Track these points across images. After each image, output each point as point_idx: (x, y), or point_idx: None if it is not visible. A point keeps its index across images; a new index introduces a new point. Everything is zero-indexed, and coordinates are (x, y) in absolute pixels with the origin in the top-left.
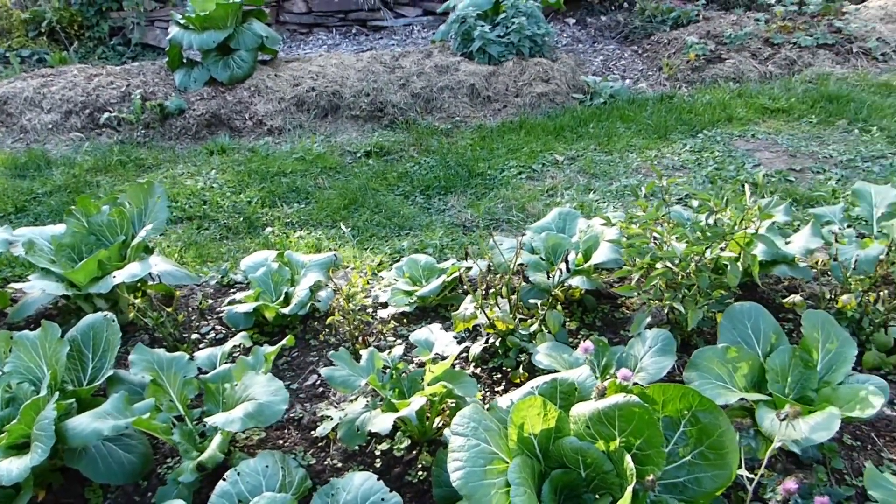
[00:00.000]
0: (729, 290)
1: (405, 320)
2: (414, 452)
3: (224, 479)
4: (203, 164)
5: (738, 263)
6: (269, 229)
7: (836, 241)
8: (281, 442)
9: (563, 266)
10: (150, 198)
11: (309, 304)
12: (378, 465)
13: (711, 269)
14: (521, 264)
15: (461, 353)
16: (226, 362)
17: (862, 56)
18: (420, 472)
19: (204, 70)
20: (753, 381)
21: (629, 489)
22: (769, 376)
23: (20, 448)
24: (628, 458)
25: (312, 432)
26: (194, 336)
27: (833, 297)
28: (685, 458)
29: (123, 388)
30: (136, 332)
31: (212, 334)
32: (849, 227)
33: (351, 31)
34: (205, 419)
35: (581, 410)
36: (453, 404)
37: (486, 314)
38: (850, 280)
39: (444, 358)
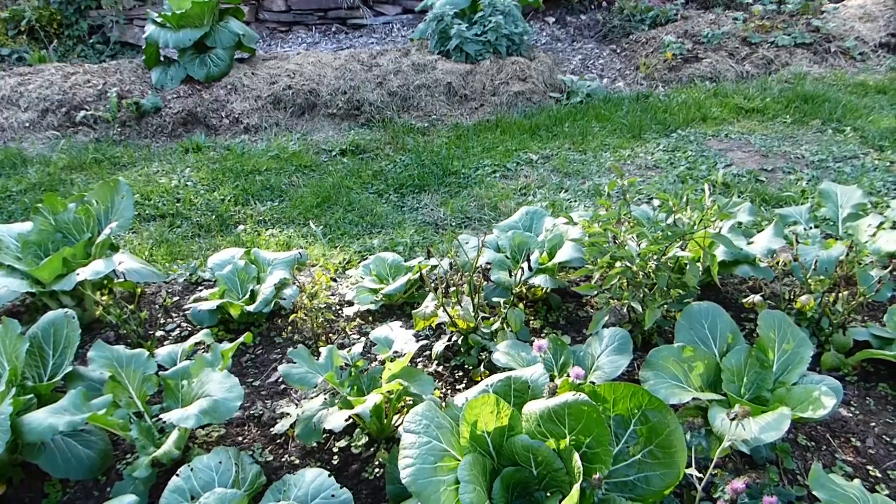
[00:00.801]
0: (689, 290)
1: (371, 318)
2: (372, 450)
3: (177, 475)
4: (178, 163)
5: (698, 263)
6: (241, 227)
7: (797, 241)
8: (241, 438)
9: (525, 265)
10: (116, 196)
11: (273, 302)
12: (335, 462)
13: (672, 268)
14: (488, 262)
15: (425, 350)
16: (187, 359)
17: (840, 55)
18: (377, 469)
19: (180, 68)
20: (709, 380)
21: (576, 487)
22: (725, 376)
23: None
24: (577, 456)
25: (272, 429)
26: (159, 333)
27: (793, 297)
28: (635, 457)
29: (83, 385)
30: (102, 329)
31: (177, 332)
32: (815, 227)
33: (330, 30)
34: (161, 416)
35: (533, 408)
36: (412, 402)
37: (447, 312)
38: (810, 281)
39: (403, 356)
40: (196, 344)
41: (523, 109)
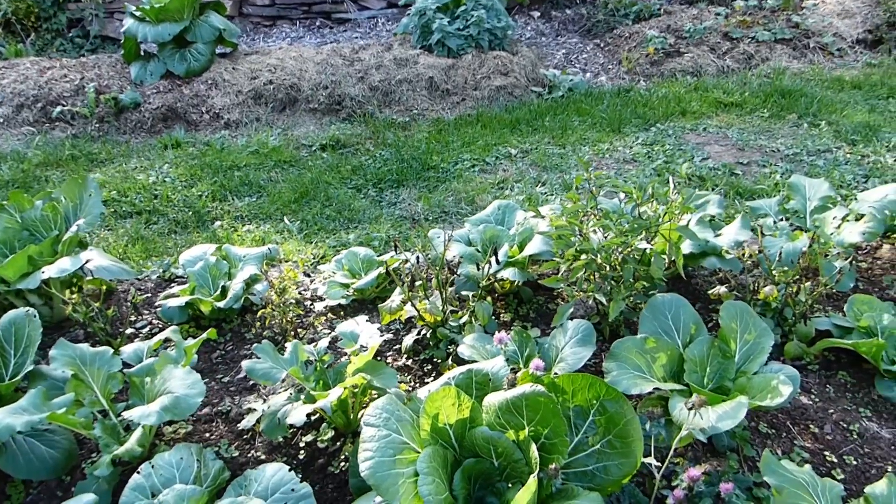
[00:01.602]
0: (654, 282)
1: (342, 313)
2: (338, 444)
3: (138, 473)
4: (157, 159)
5: (664, 255)
6: (217, 223)
7: (762, 233)
8: (208, 435)
9: (493, 259)
10: (84, 192)
11: (244, 298)
12: (302, 457)
13: (639, 261)
14: (460, 256)
15: (395, 345)
16: (153, 356)
17: (818, 51)
18: (343, 464)
19: (160, 63)
20: (672, 371)
21: (532, 477)
22: (687, 366)
23: None
24: (534, 446)
25: (239, 425)
26: (129, 331)
27: (758, 288)
28: (594, 447)
29: (45, 384)
30: (72, 328)
31: (147, 329)
32: (784, 219)
33: (315, 24)
34: (123, 413)
35: (492, 400)
36: (377, 396)
37: (414, 306)
38: (774, 272)
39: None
40: (165, 341)
41: (504, 104)
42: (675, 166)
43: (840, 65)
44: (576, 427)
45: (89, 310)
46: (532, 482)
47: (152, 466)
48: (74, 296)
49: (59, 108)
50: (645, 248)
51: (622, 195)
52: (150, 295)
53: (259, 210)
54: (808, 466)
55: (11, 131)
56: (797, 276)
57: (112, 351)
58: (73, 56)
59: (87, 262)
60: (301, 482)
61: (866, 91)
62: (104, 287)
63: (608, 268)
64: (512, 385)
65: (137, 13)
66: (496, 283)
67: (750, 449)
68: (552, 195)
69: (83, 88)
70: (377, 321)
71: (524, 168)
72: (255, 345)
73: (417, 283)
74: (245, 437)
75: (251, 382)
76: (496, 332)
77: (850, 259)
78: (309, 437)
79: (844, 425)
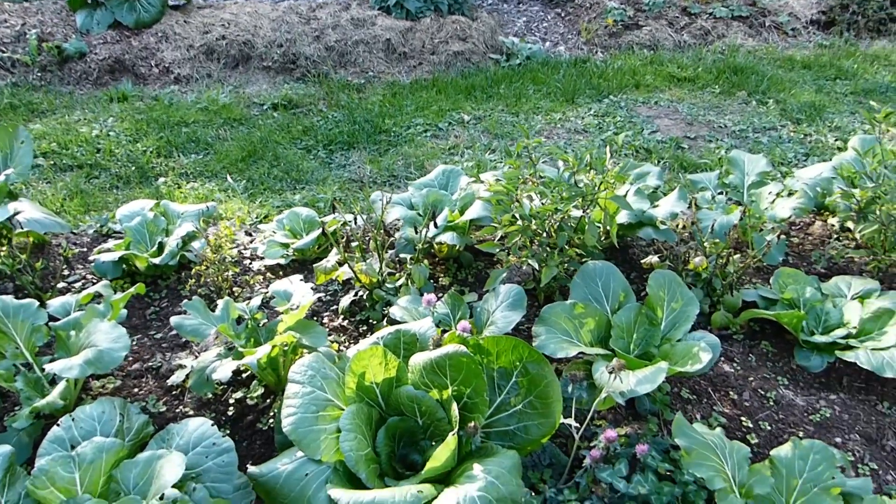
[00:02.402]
0: (587, 250)
1: (281, 273)
2: (268, 401)
3: (58, 425)
4: (101, 112)
5: (599, 224)
6: (161, 180)
7: (697, 206)
8: (137, 390)
9: (432, 223)
10: (15, 142)
11: (180, 255)
12: (231, 413)
13: (575, 228)
14: (402, 220)
15: (332, 305)
16: (80, 310)
17: (773, 30)
18: (271, 421)
19: (108, 12)
20: (600, 336)
21: (451, 435)
22: (615, 332)
23: None
24: (455, 405)
25: (168, 381)
26: (61, 285)
27: (688, 259)
28: (517, 407)
29: None
30: (2, 281)
31: (80, 284)
32: (722, 193)
33: None
34: (46, 366)
35: (417, 360)
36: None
37: (351, 267)
38: (706, 244)
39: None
40: (95, 295)
41: (461, 69)
42: (626, 139)
43: (793, 44)
44: (499, 388)
45: (16, 262)
46: (451, 440)
47: (73, 419)
48: (3, 248)
49: None
50: (580, 216)
51: (562, 163)
52: (86, 250)
53: (205, 167)
54: (719, 430)
55: None
56: (729, 249)
57: (38, 304)
58: (16, 0)
59: (16, 213)
60: (224, 437)
61: (815, 71)
62: (32, 239)
63: (544, 234)
64: (437, 345)
65: None
66: (436, 247)
67: (670, 413)
68: (501, 162)
69: (25, 35)
70: (311, 281)
71: (476, 135)
72: (186, 301)
73: (354, 245)
74: (174, 392)
75: (184, 340)
76: (425, 294)
77: (779, 233)
78: (239, 395)
79: (762, 392)
